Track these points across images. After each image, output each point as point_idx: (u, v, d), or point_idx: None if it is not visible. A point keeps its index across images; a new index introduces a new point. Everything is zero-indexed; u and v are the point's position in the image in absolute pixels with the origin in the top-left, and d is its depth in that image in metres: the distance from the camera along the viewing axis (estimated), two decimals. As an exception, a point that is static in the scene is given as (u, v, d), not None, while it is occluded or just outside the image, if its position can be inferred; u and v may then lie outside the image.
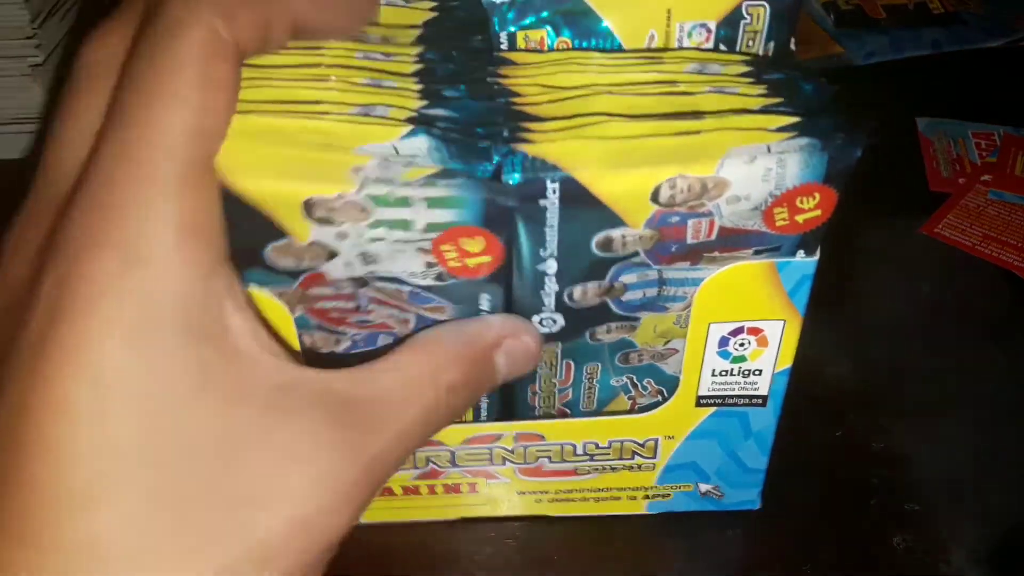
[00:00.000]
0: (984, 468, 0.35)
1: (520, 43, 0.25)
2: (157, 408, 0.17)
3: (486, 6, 0.24)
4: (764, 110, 0.22)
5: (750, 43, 0.24)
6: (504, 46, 0.25)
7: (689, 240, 0.23)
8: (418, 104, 0.22)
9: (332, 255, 0.22)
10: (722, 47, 0.25)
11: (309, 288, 0.24)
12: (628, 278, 0.25)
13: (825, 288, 0.44)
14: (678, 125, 0.21)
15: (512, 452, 0.30)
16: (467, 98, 0.22)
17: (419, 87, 0.22)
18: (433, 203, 0.21)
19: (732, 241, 0.24)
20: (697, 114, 0.22)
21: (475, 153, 0.21)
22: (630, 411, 0.30)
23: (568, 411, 0.30)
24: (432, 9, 0.25)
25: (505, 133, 0.21)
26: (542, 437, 0.29)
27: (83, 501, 0.17)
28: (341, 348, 0.27)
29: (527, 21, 0.24)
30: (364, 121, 0.21)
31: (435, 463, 0.30)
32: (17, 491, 0.17)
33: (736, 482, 0.31)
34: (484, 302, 0.24)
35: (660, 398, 0.30)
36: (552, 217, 0.22)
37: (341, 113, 0.21)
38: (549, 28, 0.24)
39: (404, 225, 0.22)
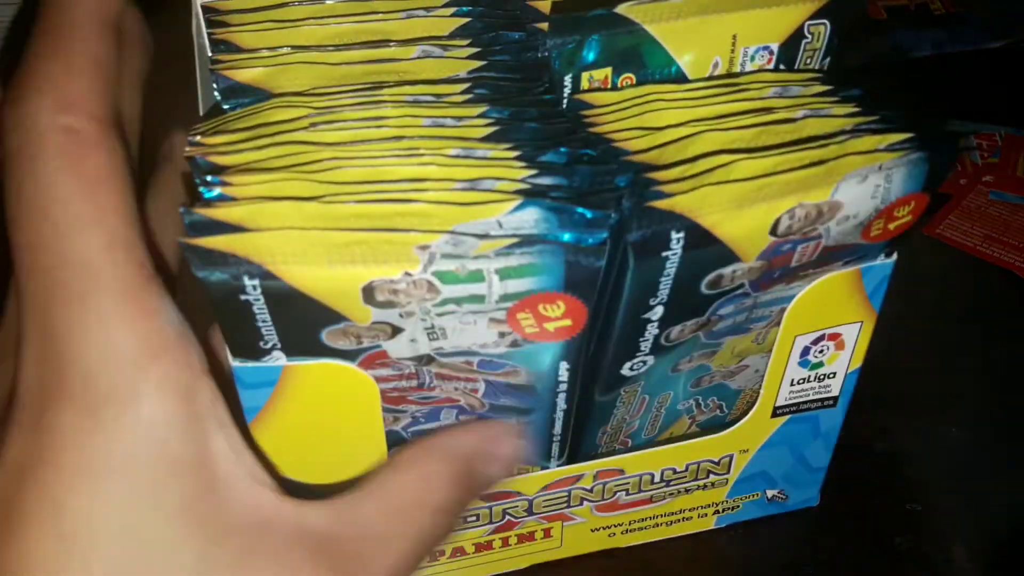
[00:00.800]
0: (984, 468, 0.35)
1: (584, 84, 0.23)
2: (129, 552, 0.17)
3: (549, 48, 0.23)
4: (867, 129, 0.21)
5: (808, 60, 0.24)
6: (568, 89, 0.23)
7: (794, 264, 0.23)
8: (523, 173, 0.20)
9: (396, 331, 0.21)
10: (782, 67, 0.24)
11: (369, 368, 0.22)
12: (726, 310, 0.24)
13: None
14: (803, 156, 0.21)
15: (591, 491, 0.29)
16: (573, 162, 0.21)
17: (515, 153, 0.21)
18: (508, 274, 0.20)
19: (829, 257, 0.23)
20: (816, 140, 0.21)
21: (585, 223, 0.19)
22: (688, 430, 0.30)
23: (629, 441, 0.29)
24: (471, 56, 0.23)
25: (634, 192, 0.20)
26: (622, 471, 0.29)
27: None
28: (400, 426, 0.25)
29: (589, 60, 0.23)
30: (467, 199, 0.19)
31: (511, 515, 0.29)
32: None
33: (800, 482, 0.31)
34: (563, 371, 0.23)
35: (719, 412, 0.30)
36: (672, 266, 0.21)
37: (445, 189, 0.20)
38: (613, 66, 0.23)
39: (475, 299, 0.20)
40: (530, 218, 0.20)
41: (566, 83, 0.24)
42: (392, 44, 0.24)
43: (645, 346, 0.24)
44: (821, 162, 0.20)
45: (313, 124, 0.22)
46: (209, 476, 0.18)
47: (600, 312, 0.22)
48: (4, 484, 0.17)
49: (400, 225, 0.19)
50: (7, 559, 0.17)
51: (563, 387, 0.24)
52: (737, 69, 0.24)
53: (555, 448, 0.26)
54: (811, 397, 0.28)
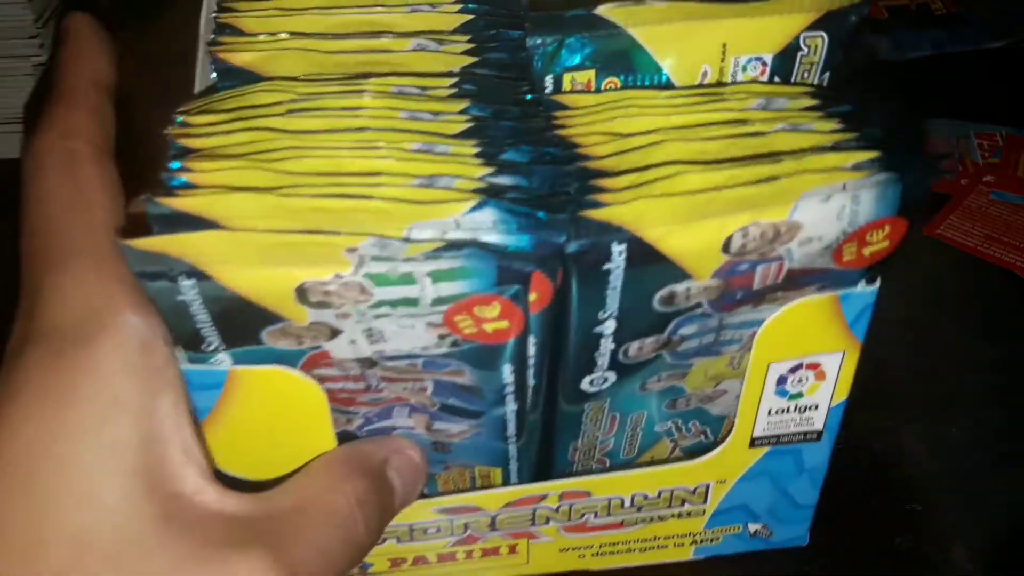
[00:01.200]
0: (984, 468, 0.35)
1: (566, 85, 0.23)
2: (62, 481, 0.18)
3: (529, 48, 0.22)
4: (839, 146, 0.20)
5: (806, 74, 0.23)
6: (549, 89, 0.23)
7: (756, 286, 0.22)
8: (481, 171, 0.20)
9: (335, 333, 0.20)
10: (777, 79, 0.23)
11: (314, 368, 0.22)
12: (688, 329, 0.23)
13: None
14: (756, 172, 0.20)
15: (556, 511, 0.28)
16: (534, 163, 0.20)
17: (476, 150, 0.20)
18: (439, 276, 0.19)
19: (797, 281, 0.22)
20: (774, 156, 0.20)
21: (545, 226, 0.19)
22: (671, 454, 0.29)
23: (607, 460, 0.28)
24: (466, 52, 0.23)
25: (574, 200, 0.19)
26: (589, 494, 0.28)
27: None
28: (354, 426, 0.24)
29: (573, 62, 0.22)
30: (424, 197, 0.19)
31: (473, 529, 0.28)
32: None
33: (786, 519, 0.30)
34: (506, 373, 0.22)
35: (703, 438, 0.28)
36: (616, 279, 0.20)
37: (401, 185, 0.19)
38: (596, 69, 0.22)
39: (409, 302, 0.20)
40: (488, 219, 0.19)
41: (547, 83, 0.23)
42: (389, 36, 0.24)
43: (602, 361, 0.23)
44: (773, 178, 0.19)
45: (290, 110, 0.22)
46: (147, 429, 0.19)
47: (552, 322, 0.22)
48: None
49: (356, 221, 0.19)
50: None
51: (509, 389, 0.23)
52: (728, 79, 0.23)
53: (512, 449, 0.26)
54: (792, 429, 0.27)
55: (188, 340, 0.20)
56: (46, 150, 0.21)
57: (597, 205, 0.19)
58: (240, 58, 0.23)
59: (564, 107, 0.22)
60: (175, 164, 0.19)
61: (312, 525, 0.21)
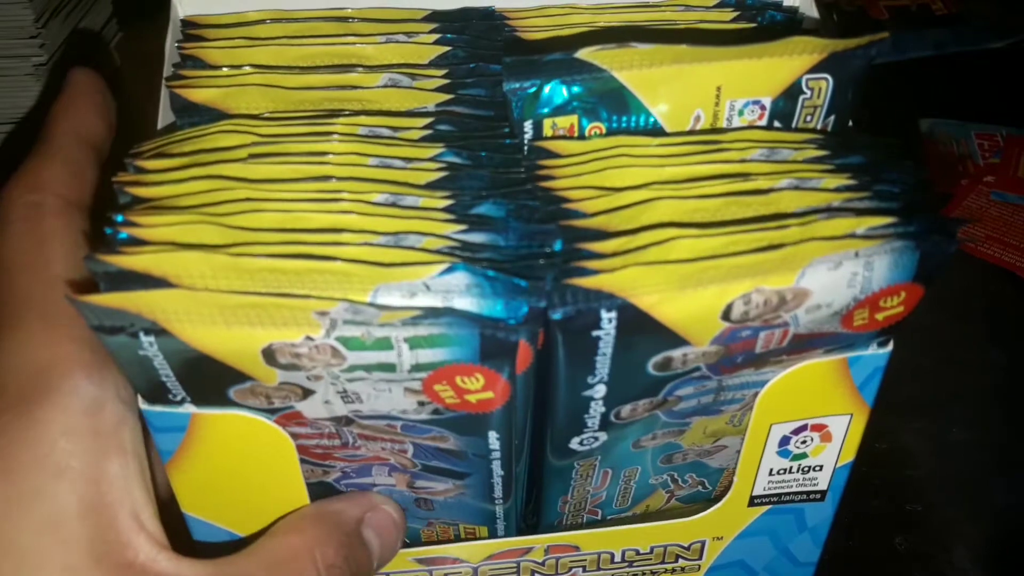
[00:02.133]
0: (984, 468, 0.35)
1: (547, 131, 0.21)
2: None
3: (506, 92, 0.20)
4: (850, 208, 0.19)
5: (808, 118, 0.21)
6: (529, 135, 0.21)
7: (758, 351, 0.20)
8: (451, 228, 0.18)
9: (307, 393, 0.19)
10: (777, 124, 0.21)
11: (286, 426, 0.20)
12: (684, 391, 0.21)
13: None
14: (758, 238, 0.18)
15: (543, 564, 0.27)
16: (511, 218, 0.18)
17: (448, 203, 0.19)
18: (418, 343, 0.18)
19: (803, 345, 0.21)
20: (778, 219, 0.18)
21: (525, 293, 0.17)
22: (667, 504, 0.27)
23: (599, 512, 0.27)
24: (441, 88, 0.22)
25: (558, 265, 0.18)
26: (577, 548, 0.26)
27: None
28: (332, 478, 0.23)
29: (554, 105, 0.21)
30: (389, 258, 0.17)
31: None
32: None
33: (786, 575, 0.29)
34: (492, 440, 0.21)
35: (701, 488, 0.27)
36: (606, 346, 0.19)
37: (364, 244, 0.18)
38: (579, 113, 0.21)
39: (386, 368, 0.18)
40: (460, 283, 0.18)
41: (527, 129, 0.21)
42: (359, 70, 0.23)
43: (592, 423, 0.22)
44: (778, 246, 0.18)
45: (252, 155, 0.20)
46: (92, 496, 0.18)
47: (536, 383, 0.20)
48: None
49: (317, 282, 0.18)
50: None
51: (496, 455, 0.22)
52: (723, 124, 0.22)
53: (499, 510, 0.24)
54: (794, 489, 0.25)
55: (153, 393, 0.19)
56: (11, 202, 0.20)
57: (584, 272, 0.17)
58: (201, 94, 0.21)
59: (549, 154, 0.20)
60: (119, 218, 0.18)
61: None
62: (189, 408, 0.20)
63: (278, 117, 0.21)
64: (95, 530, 0.18)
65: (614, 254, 0.18)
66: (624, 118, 0.22)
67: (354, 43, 0.23)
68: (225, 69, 0.23)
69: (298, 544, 0.21)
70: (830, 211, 0.18)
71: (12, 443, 0.17)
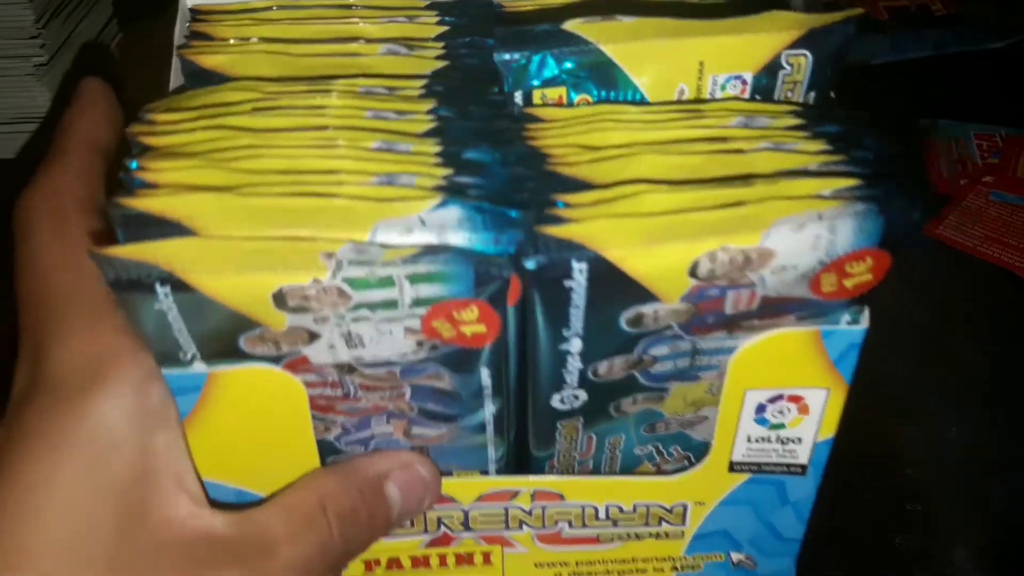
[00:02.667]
0: (984, 468, 0.35)
1: (537, 101, 0.22)
2: (62, 518, 0.20)
3: (497, 64, 0.22)
4: (822, 171, 0.19)
5: (788, 93, 0.22)
6: (519, 105, 0.22)
7: (728, 311, 0.21)
8: (443, 171, 0.19)
9: (313, 337, 0.20)
10: (758, 98, 0.22)
11: (293, 372, 0.22)
12: (659, 350, 0.22)
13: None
14: (723, 195, 0.19)
15: (530, 514, 0.27)
16: (497, 163, 0.20)
17: (438, 149, 0.20)
18: (418, 279, 0.19)
19: (774, 309, 0.22)
20: (747, 178, 0.19)
21: (508, 223, 0.18)
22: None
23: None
24: (438, 57, 0.23)
25: (534, 209, 0.19)
26: (561, 497, 0.27)
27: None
28: (333, 435, 0.24)
29: (544, 78, 0.22)
30: (384, 195, 0.19)
31: (447, 525, 0.28)
32: None
33: (770, 551, 0.29)
34: (484, 376, 0.22)
35: (687, 463, 0.28)
36: (579, 298, 0.20)
37: (361, 183, 0.19)
38: (568, 86, 0.22)
39: (389, 305, 0.20)
40: (453, 217, 0.19)
41: (517, 99, 0.23)
42: (360, 41, 0.24)
43: (571, 379, 0.23)
44: (741, 203, 0.19)
45: (256, 109, 0.22)
46: (143, 466, 0.21)
47: (520, 340, 0.22)
48: None
49: (320, 220, 0.19)
50: None
51: (487, 391, 0.23)
52: (706, 97, 0.23)
53: (491, 451, 0.25)
54: (774, 459, 0.26)
55: (166, 351, 0.21)
56: (35, 207, 0.22)
57: (558, 220, 0.19)
58: (210, 60, 0.23)
59: (538, 119, 0.22)
60: (133, 164, 0.19)
61: (289, 540, 0.22)
62: (199, 367, 0.21)
63: (283, 79, 0.23)
64: (144, 494, 0.20)
65: (588, 205, 0.19)
66: (612, 92, 0.23)
67: (357, 23, 0.25)
68: (233, 40, 0.24)
69: (312, 494, 0.23)
70: (798, 173, 0.19)
71: (76, 424, 0.20)
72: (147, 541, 0.20)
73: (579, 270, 0.19)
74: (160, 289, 0.19)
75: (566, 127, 0.21)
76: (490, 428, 0.24)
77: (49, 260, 0.21)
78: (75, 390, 0.20)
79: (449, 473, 0.27)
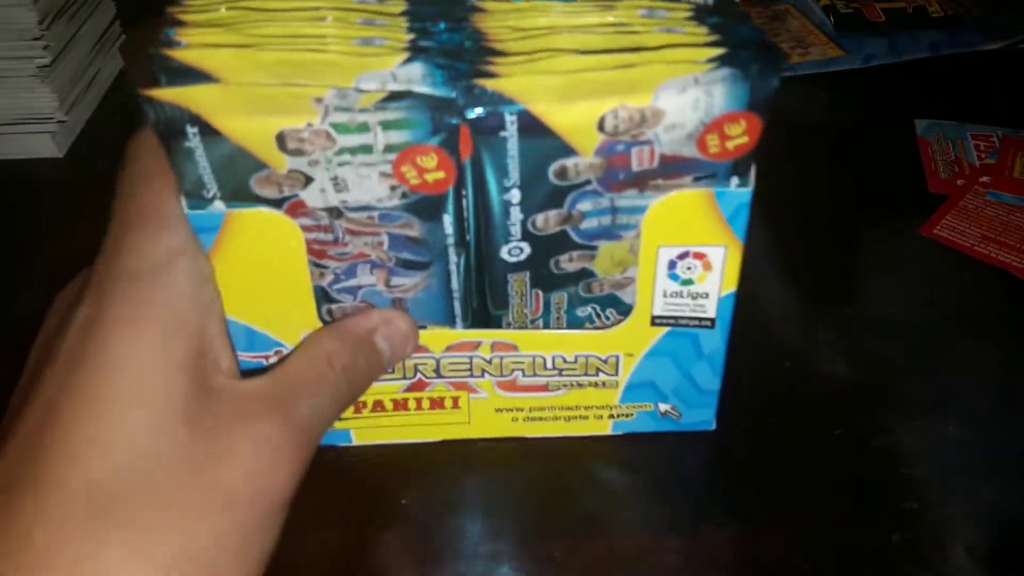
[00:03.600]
0: (982, 466, 0.35)
1: None
2: (136, 384, 0.24)
3: None
4: (697, 43, 0.25)
5: None
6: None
7: (634, 167, 0.27)
8: (409, 37, 0.26)
9: (308, 180, 0.26)
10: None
11: (293, 217, 0.27)
12: (584, 205, 0.28)
13: (825, 287, 0.45)
14: (617, 59, 0.25)
15: (490, 363, 0.33)
16: (446, 32, 0.26)
17: (407, 25, 0.26)
18: (388, 125, 0.25)
19: (673, 168, 0.27)
20: (638, 50, 0.25)
21: (458, 76, 0.24)
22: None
23: (540, 337, 0.33)
24: None
25: (471, 65, 0.25)
26: (515, 347, 0.33)
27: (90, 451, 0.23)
28: (326, 282, 0.30)
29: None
30: (365, 52, 0.25)
31: (422, 372, 0.33)
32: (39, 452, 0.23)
33: (692, 402, 0.35)
34: (447, 224, 0.28)
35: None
36: (512, 148, 0.26)
37: (344, 44, 0.25)
38: None
39: (365, 150, 0.25)
40: (417, 72, 0.25)
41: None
42: None
43: (515, 230, 0.28)
44: (631, 65, 0.25)
45: None
46: (199, 345, 0.25)
47: (476, 180, 0.27)
48: (74, 335, 0.24)
49: (314, 72, 0.25)
50: (51, 386, 0.24)
51: (451, 239, 0.28)
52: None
53: (457, 306, 0.31)
54: (687, 313, 0.32)
55: (193, 188, 0.26)
56: (142, 143, 0.27)
57: (489, 75, 0.25)
58: None
59: (483, 11, 0.28)
60: (171, 31, 0.25)
61: (308, 392, 0.27)
62: (218, 206, 0.27)
63: None
64: (201, 367, 0.25)
65: (513, 65, 0.25)
66: None
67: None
68: None
69: (318, 353, 0.28)
70: (678, 46, 0.25)
71: (151, 306, 0.25)
72: (210, 401, 0.25)
73: (511, 122, 0.25)
74: (190, 129, 0.24)
75: (505, 16, 0.27)
76: (454, 279, 0.30)
77: (134, 183, 0.26)
78: (149, 279, 0.25)
79: (423, 327, 0.33)
